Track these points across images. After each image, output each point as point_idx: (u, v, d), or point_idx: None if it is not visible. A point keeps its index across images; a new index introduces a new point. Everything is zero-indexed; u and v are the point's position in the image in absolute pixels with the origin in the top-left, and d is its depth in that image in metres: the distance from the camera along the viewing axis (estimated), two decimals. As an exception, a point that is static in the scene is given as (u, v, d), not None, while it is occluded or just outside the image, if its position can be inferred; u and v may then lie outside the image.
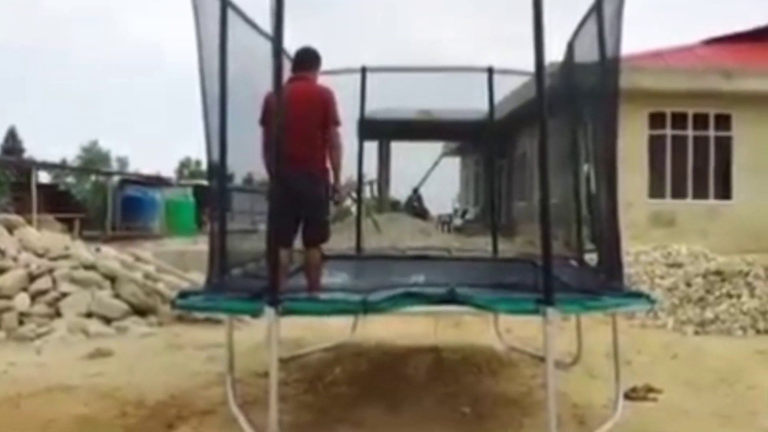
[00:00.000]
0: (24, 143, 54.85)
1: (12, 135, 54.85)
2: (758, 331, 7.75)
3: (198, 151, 48.82)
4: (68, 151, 59.16)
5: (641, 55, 15.93)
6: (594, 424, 4.54)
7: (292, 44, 5.23)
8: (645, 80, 14.44)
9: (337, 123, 5.27)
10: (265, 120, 5.08)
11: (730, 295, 8.22)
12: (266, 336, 4.01)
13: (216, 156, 4.99)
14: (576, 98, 6.15)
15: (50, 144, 75.64)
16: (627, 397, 5.02)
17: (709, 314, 8.02)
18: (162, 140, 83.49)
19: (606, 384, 5.11)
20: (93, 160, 57.69)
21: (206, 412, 4.78)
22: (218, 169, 5.05)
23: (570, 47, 6.24)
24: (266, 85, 4.65)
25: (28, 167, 25.25)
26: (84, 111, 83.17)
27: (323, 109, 5.22)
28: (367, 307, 4.16)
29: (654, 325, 8.13)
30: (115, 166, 57.91)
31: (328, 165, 5.31)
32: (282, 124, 4.23)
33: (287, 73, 4.94)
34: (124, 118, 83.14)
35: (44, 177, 31.32)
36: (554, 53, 5.67)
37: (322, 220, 5.36)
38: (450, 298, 4.17)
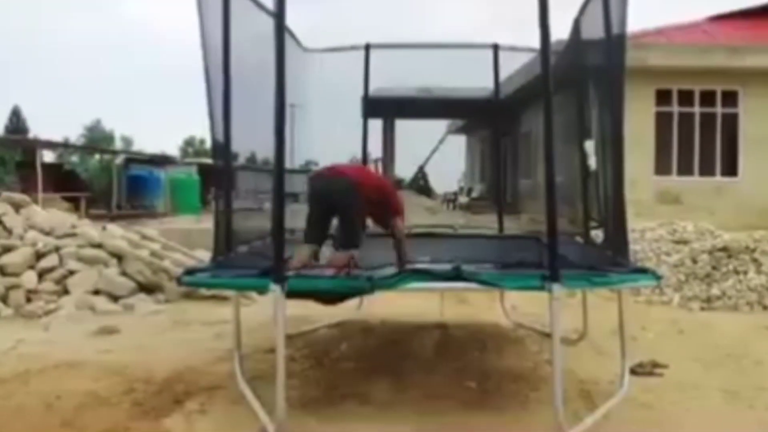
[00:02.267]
0: (27, 122, 54.81)
1: (16, 114, 54.79)
2: (765, 307, 7.76)
3: (203, 130, 48.81)
4: (71, 132, 59.13)
5: (648, 32, 15.78)
6: (600, 399, 4.56)
7: (294, 22, 5.26)
8: (651, 57, 14.30)
9: (399, 212, 5.67)
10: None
11: (736, 272, 8.22)
12: (273, 313, 4.03)
13: (219, 134, 4.99)
14: (582, 75, 6.11)
15: (53, 124, 75.54)
16: (633, 372, 5.04)
17: (715, 290, 8.02)
18: (166, 119, 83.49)
19: (612, 360, 5.13)
20: (96, 140, 57.62)
21: (214, 387, 4.82)
22: (223, 146, 5.04)
23: (576, 24, 6.19)
24: (270, 62, 4.57)
25: (32, 146, 25.20)
26: (86, 92, 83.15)
27: (386, 192, 5.59)
28: (373, 285, 4.16)
29: (660, 302, 8.13)
30: (119, 145, 57.86)
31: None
32: (281, 108, 4.17)
33: (289, 51, 4.90)
34: (128, 99, 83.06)
35: (48, 156, 31.37)
36: (560, 31, 5.66)
37: (352, 226, 5.22)
38: (456, 275, 4.17)
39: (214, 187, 6.22)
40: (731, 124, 15.76)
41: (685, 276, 8.42)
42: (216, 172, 5.49)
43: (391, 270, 4.32)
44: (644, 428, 4.19)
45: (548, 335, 4.70)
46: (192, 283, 5.36)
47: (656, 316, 7.39)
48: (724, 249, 8.56)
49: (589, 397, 4.67)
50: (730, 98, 15.68)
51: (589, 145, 5.88)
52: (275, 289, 3.98)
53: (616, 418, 4.29)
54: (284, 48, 4.19)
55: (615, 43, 5.03)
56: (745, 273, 8.17)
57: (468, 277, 4.18)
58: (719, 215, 12.81)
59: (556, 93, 4.25)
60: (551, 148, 4.09)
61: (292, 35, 6.37)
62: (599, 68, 5.58)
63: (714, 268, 8.37)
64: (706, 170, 15.79)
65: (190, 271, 4.96)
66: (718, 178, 15.79)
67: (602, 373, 5.11)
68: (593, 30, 5.52)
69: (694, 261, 8.60)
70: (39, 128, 51.25)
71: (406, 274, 4.22)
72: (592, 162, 5.77)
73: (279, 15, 4.18)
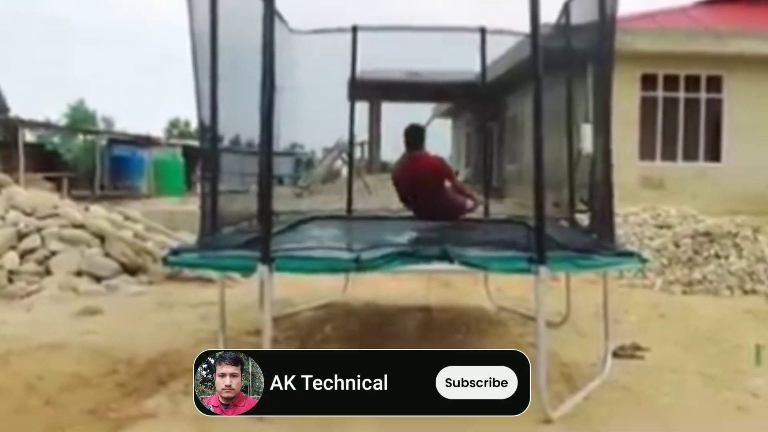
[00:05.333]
0: (7, 101, 53.93)
1: (-4, 94, 53.92)
2: (745, 292, 7.84)
3: (188, 111, 48.39)
4: (52, 111, 58.44)
5: (634, 17, 15.81)
6: (582, 381, 4.59)
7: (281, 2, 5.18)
8: (638, 42, 14.34)
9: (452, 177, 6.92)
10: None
11: (718, 256, 8.29)
12: (259, 295, 4.01)
13: (206, 116, 4.95)
14: (570, 59, 6.10)
15: (34, 104, 74.63)
16: (615, 355, 5.08)
17: (696, 275, 8.09)
18: (151, 101, 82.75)
19: (594, 343, 5.17)
20: (79, 120, 56.92)
21: (198, 369, 4.79)
22: (210, 126, 5.00)
23: (566, 7, 6.17)
24: (257, 44, 4.51)
25: (14, 126, 24.90)
26: (69, 71, 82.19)
27: (438, 175, 6.75)
28: (360, 266, 4.15)
29: (642, 285, 8.19)
30: (100, 126, 57.17)
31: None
32: (270, 91, 4.13)
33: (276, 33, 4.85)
34: (112, 79, 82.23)
35: (30, 137, 30.98)
36: (548, 14, 5.64)
37: None
38: (442, 257, 4.18)
39: (201, 168, 6.18)
40: (715, 109, 15.86)
41: (668, 260, 8.49)
42: (202, 153, 5.45)
43: (380, 251, 4.31)
44: (623, 410, 4.22)
45: (531, 318, 4.72)
46: (178, 263, 5.31)
47: (638, 300, 7.45)
48: (706, 234, 8.62)
49: (570, 380, 4.70)
50: (714, 83, 15.78)
51: (586, 129, 5.87)
52: (263, 269, 3.97)
53: (597, 399, 4.33)
54: (273, 31, 4.15)
55: (605, 26, 5.02)
56: (727, 257, 8.25)
57: (454, 258, 4.18)
58: (702, 200, 12.91)
59: (544, 76, 4.24)
60: (541, 131, 4.09)
61: (280, 16, 6.31)
62: (587, 52, 5.57)
63: (696, 252, 8.44)
64: (690, 155, 15.91)
65: (175, 252, 4.93)
66: (702, 163, 15.92)
67: (584, 356, 5.15)
68: (582, 13, 5.51)
69: (677, 245, 8.67)
70: (20, 108, 50.52)
71: (392, 255, 4.22)
72: (587, 145, 5.76)
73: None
